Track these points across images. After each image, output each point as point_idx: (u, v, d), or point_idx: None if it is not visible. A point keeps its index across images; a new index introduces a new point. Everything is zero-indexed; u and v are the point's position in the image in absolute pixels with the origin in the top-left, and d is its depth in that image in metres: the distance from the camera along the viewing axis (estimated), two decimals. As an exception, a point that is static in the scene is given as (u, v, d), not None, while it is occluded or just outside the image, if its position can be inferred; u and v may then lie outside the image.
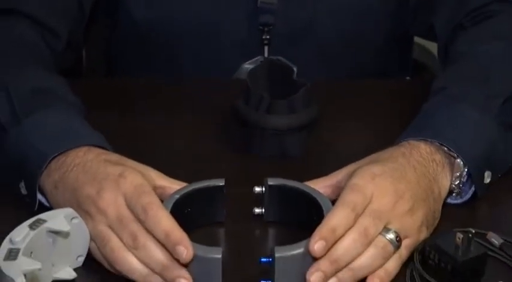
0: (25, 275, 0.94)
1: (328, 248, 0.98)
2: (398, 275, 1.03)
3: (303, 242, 0.99)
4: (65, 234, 1.02)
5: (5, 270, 0.94)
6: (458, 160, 1.12)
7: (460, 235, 1.02)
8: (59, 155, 1.09)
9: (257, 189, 1.10)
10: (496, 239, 1.08)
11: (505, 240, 1.08)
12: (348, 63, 1.48)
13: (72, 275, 1.03)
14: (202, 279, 1.00)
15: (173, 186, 1.08)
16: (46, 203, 1.11)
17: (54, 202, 1.09)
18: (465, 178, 1.13)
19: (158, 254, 0.99)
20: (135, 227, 1.00)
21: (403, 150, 1.11)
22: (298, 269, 0.99)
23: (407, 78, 1.64)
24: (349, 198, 1.01)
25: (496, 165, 1.17)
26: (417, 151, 1.11)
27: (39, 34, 1.31)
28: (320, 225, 0.99)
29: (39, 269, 0.97)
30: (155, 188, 1.06)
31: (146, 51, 1.49)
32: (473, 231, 1.03)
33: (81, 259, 1.05)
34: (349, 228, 0.99)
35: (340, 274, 0.99)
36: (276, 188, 1.09)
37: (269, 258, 0.99)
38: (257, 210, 1.11)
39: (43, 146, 1.10)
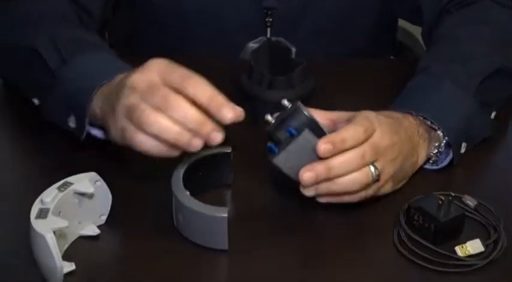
0: (54, 232, 0.94)
1: (331, 154, 0.97)
2: (387, 235, 1.04)
3: None
4: (89, 196, 1.02)
5: (36, 228, 0.94)
6: (439, 132, 1.12)
7: (441, 197, 1.02)
8: (102, 85, 1.06)
9: (286, 102, 1.03)
10: (471, 201, 1.08)
11: (479, 202, 1.08)
12: (341, 44, 1.47)
13: (96, 231, 1.03)
14: (209, 236, 1.00)
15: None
16: (93, 132, 1.10)
17: (97, 106, 1.06)
18: (443, 148, 1.13)
19: (193, 111, 0.94)
20: (166, 90, 0.95)
21: (396, 115, 1.10)
22: (305, 157, 0.98)
23: (392, 57, 1.63)
24: (362, 122, 1.01)
25: (472, 137, 1.17)
26: (407, 120, 1.11)
27: (76, 15, 1.28)
28: (333, 133, 0.99)
29: (67, 227, 0.97)
30: None
31: (162, 32, 1.48)
32: (453, 194, 1.04)
33: (104, 217, 1.05)
34: (357, 145, 0.99)
35: (321, 184, 0.99)
36: (298, 111, 1.02)
37: (297, 131, 0.98)
38: (269, 118, 1.03)
39: (90, 78, 1.08)
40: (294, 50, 1.23)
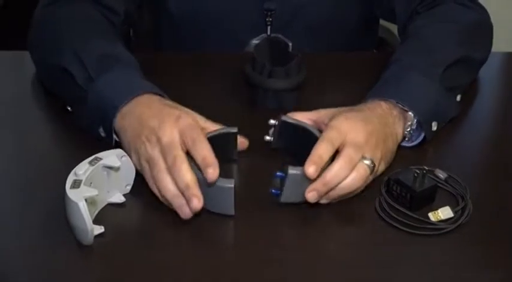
0: (86, 200, 0.94)
1: (319, 171, 0.97)
2: (369, 203, 1.03)
3: None
4: (116, 169, 1.02)
5: (70, 196, 0.94)
6: (410, 113, 1.11)
7: (416, 171, 1.02)
8: (126, 103, 1.06)
9: (272, 121, 1.08)
10: (442, 174, 1.08)
11: (449, 174, 1.08)
12: (330, 40, 1.46)
13: (122, 199, 1.03)
14: (218, 205, 1.00)
15: (213, 127, 1.06)
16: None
17: (121, 127, 1.05)
18: (415, 126, 1.12)
19: (187, 175, 0.96)
20: (179, 152, 0.97)
21: (368, 105, 1.10)
22: (302, 186, 0.99)
23: (374, 51, 1.62)
24: (328, 135, 1.01)
25: (441, 117, 1.16)
26: (380, 107, 1.10)
27: (99, 12, 1.25)
28: (310, 155, 0.98)
29: (97, 195, 0.97)
30: (202, 129, 1.03)
31: (179, 33, 1.45)
32: (426, 168, 1.03)
33: (129, 187, 1.05)
34: (331, 155, 0.99)
35: (330, 193, 1.00)
36: (286, 123, 1.08)
37: (283, 173, 0.99)
38: (267, 138, 1.10)
39: (113, 98, 1.07)
40: (290, 44, 1.23)
